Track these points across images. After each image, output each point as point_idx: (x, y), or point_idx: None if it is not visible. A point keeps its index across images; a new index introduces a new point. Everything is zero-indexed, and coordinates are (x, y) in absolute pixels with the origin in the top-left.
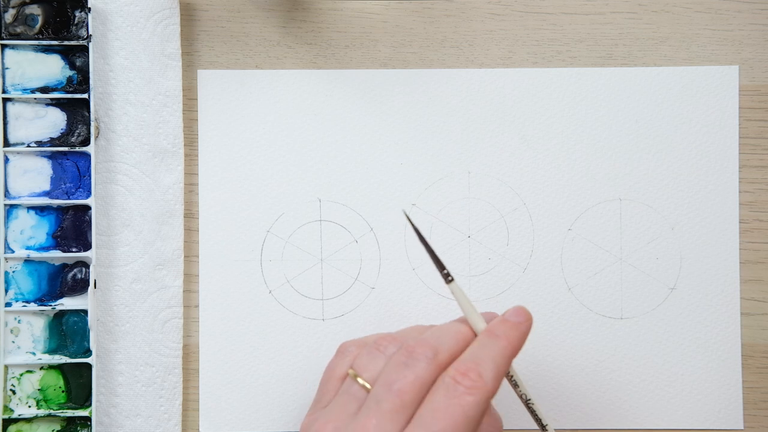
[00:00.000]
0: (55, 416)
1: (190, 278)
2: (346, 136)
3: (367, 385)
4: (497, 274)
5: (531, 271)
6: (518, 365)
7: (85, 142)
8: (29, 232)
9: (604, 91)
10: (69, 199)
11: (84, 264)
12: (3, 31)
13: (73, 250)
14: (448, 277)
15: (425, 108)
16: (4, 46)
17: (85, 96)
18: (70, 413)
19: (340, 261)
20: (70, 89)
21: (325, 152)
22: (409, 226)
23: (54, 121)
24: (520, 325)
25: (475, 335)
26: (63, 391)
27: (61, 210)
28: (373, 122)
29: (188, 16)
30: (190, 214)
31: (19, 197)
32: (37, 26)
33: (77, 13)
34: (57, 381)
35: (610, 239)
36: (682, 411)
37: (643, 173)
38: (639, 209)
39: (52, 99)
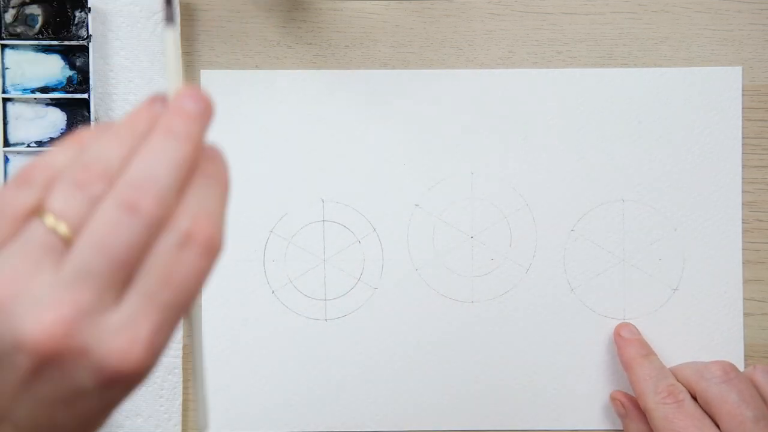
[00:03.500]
0: None
1: None
2: (349, 137)
3: (61, 229)
4: (500, 274)
5: (534, 272)
6: (519, 365)
7: None
8: None
9: (607, 92)
10: None
11: None
12: (3, 31)
13: None
14: (170, 21)
15: (428, 108)
16: (4, 46)
17: (85, 96)
18: None
19: (342, 261)
20: (70, 89)
21: (328, 153)
22: None
23: (54, 121)
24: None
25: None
26: None
27: None
28: (376, 123)
29: (188, 16)
30: None
31: None
32: (37, 26)
33: (77, 13)
34: None
35: (613, 240)
36: None
37: (645, 174)
38: (642, 210)
39: (52, 99)
